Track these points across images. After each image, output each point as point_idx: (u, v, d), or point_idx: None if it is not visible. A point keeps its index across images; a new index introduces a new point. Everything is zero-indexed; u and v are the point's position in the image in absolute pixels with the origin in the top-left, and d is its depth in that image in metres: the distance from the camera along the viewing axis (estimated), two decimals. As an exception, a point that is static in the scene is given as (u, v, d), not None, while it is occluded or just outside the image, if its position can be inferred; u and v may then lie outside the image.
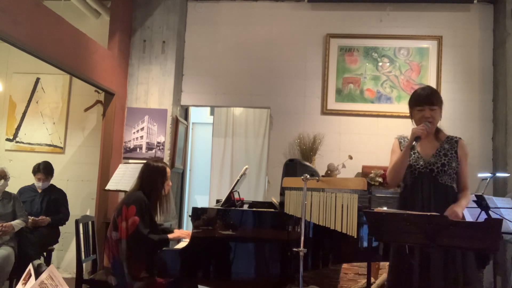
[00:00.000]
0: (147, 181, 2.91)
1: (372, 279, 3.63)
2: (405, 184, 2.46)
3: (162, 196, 2.96)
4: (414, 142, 2.30)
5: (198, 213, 2.69)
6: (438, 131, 2.46)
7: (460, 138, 2.43)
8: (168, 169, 3.01)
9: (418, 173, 2.38)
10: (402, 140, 2.51)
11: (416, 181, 2.39)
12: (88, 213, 4.90)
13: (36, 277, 1.54)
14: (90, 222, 3.48)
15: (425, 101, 2.39)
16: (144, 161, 3.10)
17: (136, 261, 2.73)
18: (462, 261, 2.21)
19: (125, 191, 3.98)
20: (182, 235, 3.00)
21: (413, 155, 2.42)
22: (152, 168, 2.94)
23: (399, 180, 2.47)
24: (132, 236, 2.71)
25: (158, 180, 2.92)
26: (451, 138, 2.43)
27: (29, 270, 1.55)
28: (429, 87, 2.51)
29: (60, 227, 4.36)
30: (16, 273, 3.64)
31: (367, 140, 4.65)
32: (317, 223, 2.43)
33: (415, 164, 2.40)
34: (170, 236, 2.93)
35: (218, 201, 3.67)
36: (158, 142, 4.71)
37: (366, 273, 2.64)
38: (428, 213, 1.89)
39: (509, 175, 4.12)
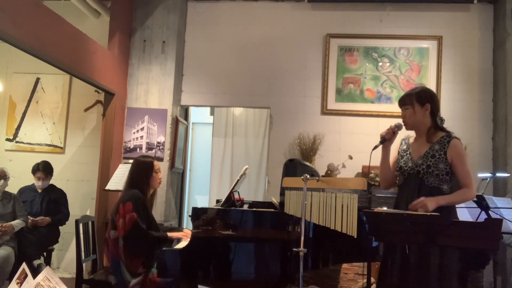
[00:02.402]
0: (136, 177, 2.97)
1: (372, 279, 3.63)
2: (398, 185, 2.51)
3: (152, 190, 3.06)
4: (379, 143, 2.41)
5: (198, 213, 2.69)
6: (432, 132, 2.40)
7: (454, 137, 2.36)
8: (156, 162, 3.07)
9: (407, 174, 2.41)
10: (403, 141, 2.55)
11: (405, 182, 2.43)
12: (88, 213, 4.90)
13: (35, 277, 1.54)
14: (90, 222, 3.48)
15: (399, 103, 2.49)
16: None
17: (134, 256, 2.76)
18: (446, 262, 2.20)
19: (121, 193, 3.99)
20: (184, 235, 3.02)
21: (405, 157, 2.45)
22: (139, 163, 3.01)
23: (387, 182, 2.55)
24: (130, 232, 2.75)
25: (147, 173, 2.98)
26: (444, 138, 2.36)
27: (24, 269, 1.55)
28: (410, 90, 2.50)
29: (60, 227, 4.36)
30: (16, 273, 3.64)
31: (367, 140, 4.65)
32: (317, 223, 2.43)
33: (404, 165, 2.43)
34: (169, 234, 2.95)
35: (218, 201, 3.67)
36: (158, 142, 4.71)
37: (366, 273, 2.64)
38: (428, 213, 1.89)
39: (509, 175, 4.12)
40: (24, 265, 1.55)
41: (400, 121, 2.51)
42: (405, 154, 2.47)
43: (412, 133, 2.55)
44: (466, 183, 2.31)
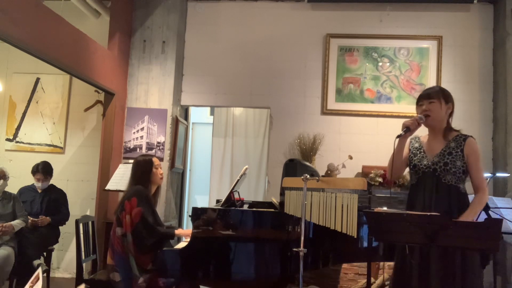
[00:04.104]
0: (138, 175, 3.00)
1: (372, 279, 3.63)
2: (411, 184, 2.48)
3: (155, 186, 3.07)
4: (403, 132, 2.33)
5: (198, 213, 2.69)
6: (448, 131, 2.41)
7: (469, 136, 2.37)
8: (155, 159, 3.10)
9: (422, 173, 2.38)
10: (412, 140, 2.53)
11: (419, 181, 2.39)
12: (88, 213, 4.90)
13: (36, 278, 1.54)
14: (90, 222, 3.48)
15: (424, 96, 2.42)
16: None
17: (143, 252, 2.76)
18: (462, 262, 2.21)
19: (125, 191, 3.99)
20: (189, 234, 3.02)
21: (419, 155, 2.43)
22: (139, 162, 3.04)
23: (396, 173, 2.49)
24: (137, 226, 2.76)
25: (147, 170, 3.01)
26: (459, 136, 2.37)
27: (38, 274, 1.54)
28: (435, 86, 2.53)
29: (60, 227, 4.36)
30: (16, 273, 3.63)
31: (367, 140, 4.65)
32: (317, 223, 2.43)
33: (419, 164, 2.40)
34: (176, 232, 2.97)
35: (218, 201, 3.67)
36: (158, 142, 4.71)
37: (366, 273, 2.64)
38: (428, 213, 1.89)
39: (509, 175, 4.12)
40: (39, 270, 1.55)
41: (402, 120, 2.50)
42: (418, 152, 2.44)
43: (419, 134, 2.56)
44: (480, 185, 2.31)
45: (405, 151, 2.49)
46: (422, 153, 2.42)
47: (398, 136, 2.35)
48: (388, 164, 2.51)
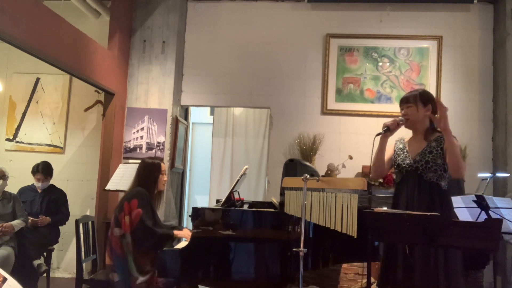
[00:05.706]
0: (143, 177, 3.01)
1: (372, 279, 3.62)
2: (396, 183, 2.56)
3: (158, 191, 3.11)
4: (382, 131, 2.45)
5: (198, 213, 2.69)
6: (429, 131, 2.48)
7: None
8: (163, 164, 3.13)
9: (405, 172, 2.46)
10: (397, 142, 2.62)
11: (403, 179, 2.47)
12: (88, 213, 4.90)
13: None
14: (90, 222, 3.48)
15: (402, 101, 2.55)
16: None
17: (142, 254, 2.78)
18: (446, 261, 2.23)
19: (125, 191, 3.99)
20: (188, 235, 3.02)
21: (402, 155, 2.51)
22: (147, 165, 3.06)
23: (378, 171, 2.58)
24: (136, 227, 2.77)
25: (154, 174, 3.04)
26: (440, 136, 2.44)
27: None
28: (414, 91, 2.59)
29: (60, 227, 4.36)
30: (16, 273, 3.63)
31: (367, 140, 4.63)
32: (317, 223, 2.43)
33: (402, 163, 2.48)
34: (175, 232, 2.97)
35: (218, 201, 3.67)
36: (158, 142, 4.71)
37: (366, 273, 2.64)
38: (428, 213, 1.89)
39: (509, 175, 4.12)
40: None
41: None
42: (401, 152, 2.53)
43: (405, 136, 2.61)
44: None
45: (390, 152, 2.59)
46: (405, 153, 2.50)
47: (378, 134, 2.47)
48: (371, 162, 2.59)
